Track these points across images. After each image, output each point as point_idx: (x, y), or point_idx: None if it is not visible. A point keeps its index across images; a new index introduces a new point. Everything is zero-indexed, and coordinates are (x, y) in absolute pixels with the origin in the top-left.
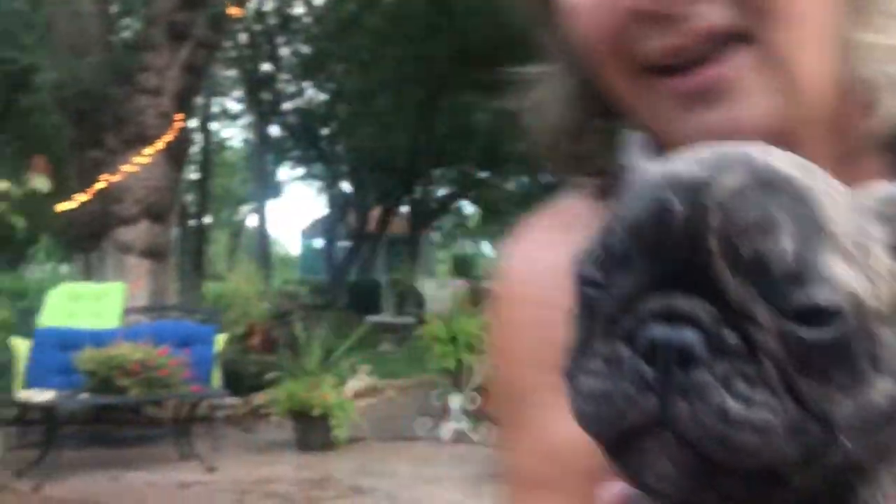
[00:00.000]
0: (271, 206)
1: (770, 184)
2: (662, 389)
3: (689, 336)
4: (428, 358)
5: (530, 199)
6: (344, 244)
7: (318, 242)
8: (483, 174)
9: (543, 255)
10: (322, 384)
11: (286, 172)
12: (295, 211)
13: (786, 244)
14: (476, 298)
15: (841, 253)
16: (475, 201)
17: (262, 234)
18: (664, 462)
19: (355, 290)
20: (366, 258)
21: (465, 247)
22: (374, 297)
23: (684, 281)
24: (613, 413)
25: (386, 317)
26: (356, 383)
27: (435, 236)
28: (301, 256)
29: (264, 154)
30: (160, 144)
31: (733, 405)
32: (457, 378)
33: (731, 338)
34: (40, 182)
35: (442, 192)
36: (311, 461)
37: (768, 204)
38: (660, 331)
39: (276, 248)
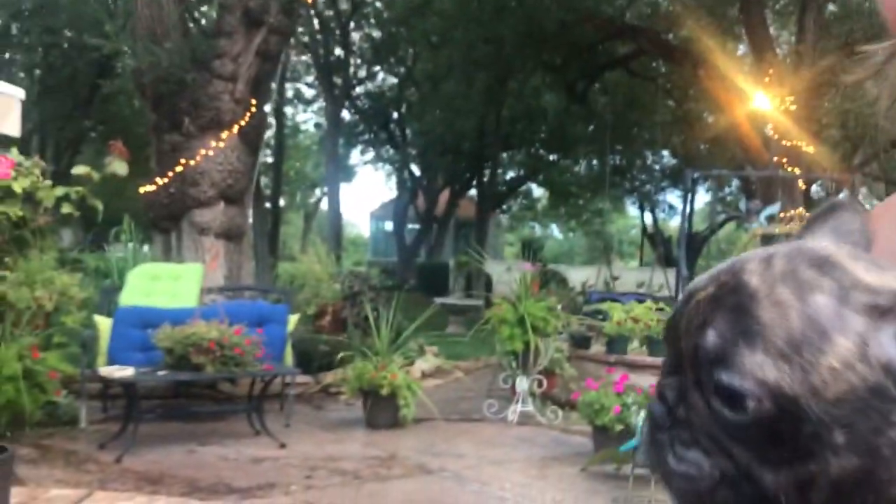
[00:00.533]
0: (343, 188)
1: (718, 298)
2: (654, 446)
3: (657, 409)
4: (495, 340)
5: (599, 182)
6: (413, 227)
7: (388, 225)
8: (551, 157)
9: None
10: (390, 364)
11: (357, 156)
12: (366, 194)
13: (711, 340)
14: (543, 281)
15: (766, 351)
16: (543, 184)
17: (333, 217)
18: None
19: (424, 273)
20: (434, 241)
21: (534, 230)
22: (443, 280)
23: (677, 367)
24: (647, 460)
25: (454, 299)
26: (424, 364)
27: (503, 219)
28: (371, 239)
29: (336, 138)
30: (235, 129)
31: (670, 460)
32: (524, 361)
33: (681, 411)
34: (118, 166)
35: (510, 175)
36: (379, 439)
37: (711, 311)
38: (651, 405)
39: (348, 231)
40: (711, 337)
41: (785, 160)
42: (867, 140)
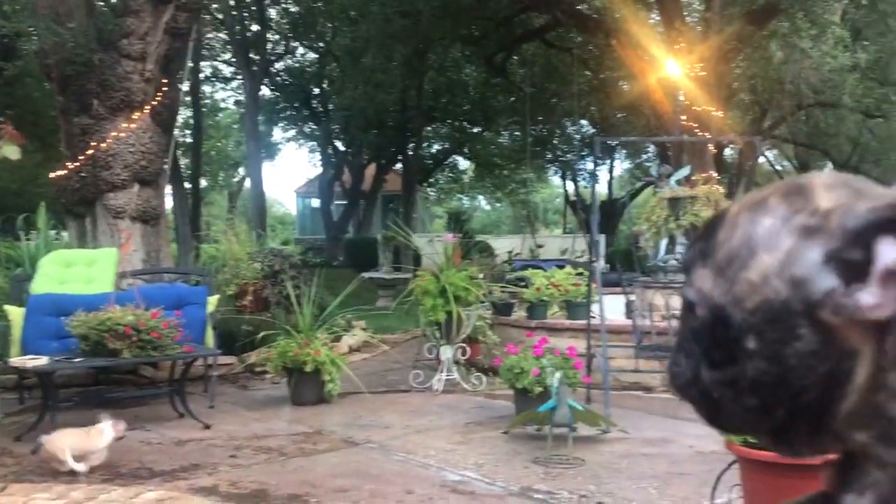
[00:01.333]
0: (267, 167)
1: (706, 223)
2: None
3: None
4: (419, 311)
5: (521, 153)
6: (340, 203)
7: (315, 202)
8: (475, 129)
9: None
10: (314, 341)
11: (280, 133)
12: (291, 171)
13: (688, 256)
14: (466, 252)
15: (710, 266)
16: (468, 156)
17: (257, 196)
18: None
19: (352, 248)
20: (362, 216)
21: (462, 202)
22: (371, 255)
23: None
24: None
25: (382, 273)
26: (351, 339)
27: (431, 192)
28: (298, 216)
29: (256, 115)
30: (147, 109)
31: (672, 365)
32: (447, 330)
33: (679, 324)
34: (10, 150)
35: (436, 148)
36: (305, 416)
37: (698, 233)
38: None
39: (275, 209)
40: (688, 254)
41: (696, 125)
42: (774, 104)
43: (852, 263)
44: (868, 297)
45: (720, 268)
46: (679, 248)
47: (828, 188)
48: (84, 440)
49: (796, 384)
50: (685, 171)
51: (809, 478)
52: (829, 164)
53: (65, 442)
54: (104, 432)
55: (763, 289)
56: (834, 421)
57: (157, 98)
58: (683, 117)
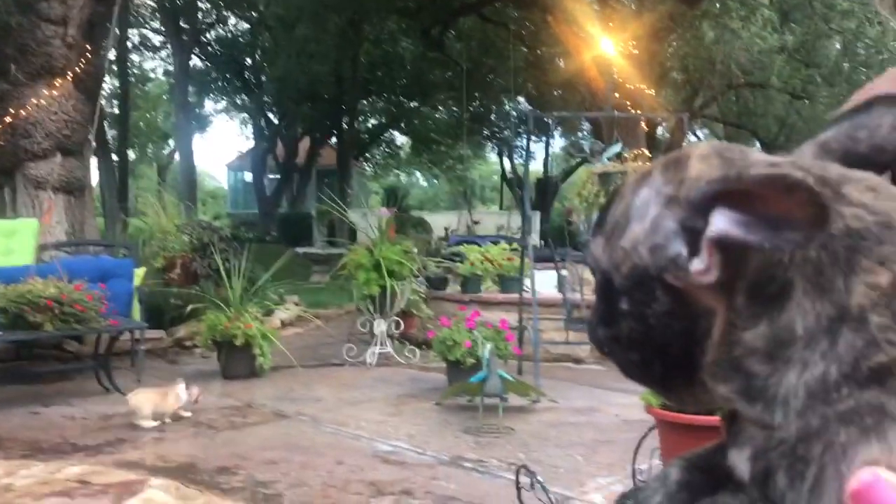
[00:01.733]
0: (197, 139)
1: (609, 196)
2: None
3: None
4: (353, 286)
5: (458, 129)
6: (273, 177)
7: (248, 176)
8: (412, 104)
9: None
10: (244, 315)
11: (211, 105)
12: (223, 144)
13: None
14: (401, 227)
15: (602, 233)
16: (405, 132)
17: (186, 169)
18: None
19: (286, 223)
20: (296, 191)
21: (399, 178)
22: (306, 230)
23: None
24: None
25: (317, 248)
26: (284, 313)
27: (368, 168)
28: (230, 190)
29: (186, 86)
30: (70, 76)
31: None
32: (381, 304)
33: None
34: None
35: (372, 122)
36: (235, 390)
37: (603, 206)
38: None
39: (206, 183)
40: (585, 226)
41: (629, 103)
42: (705, 83)
43: (695, 232)
44: (697, 263)
45: (607, 237)
46: None
47: (701, 159)
48: (161, 400)
49: (658, 340)
50: (617, 148)
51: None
52: (758, 144)
53: (144, 399)
54: (180, 395)
55: (632, 255)
56: (702, 374)
57: (80, 65)
58: (617, 94)
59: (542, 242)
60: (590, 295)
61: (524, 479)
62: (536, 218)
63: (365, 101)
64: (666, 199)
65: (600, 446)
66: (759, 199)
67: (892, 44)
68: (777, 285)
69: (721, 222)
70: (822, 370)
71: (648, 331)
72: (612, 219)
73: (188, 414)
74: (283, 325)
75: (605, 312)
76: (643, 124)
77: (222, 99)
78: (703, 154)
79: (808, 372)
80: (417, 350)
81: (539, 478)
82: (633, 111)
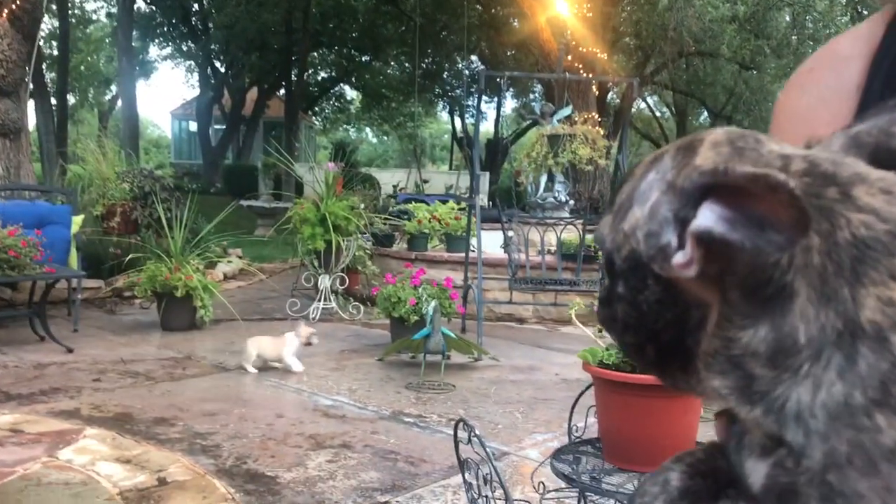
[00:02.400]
0: (141, 86)
1: (627, 173)
2: None
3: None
4: (297, 240)
5: (410, 86)
6: (219, 128)
7: (192, 126)
8: (363, 58)
9: (808, 87)
10: (186, 266)
11: (156, 51)
12: (167, 92)
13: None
14: (347, 182)
15: (611, 212)
16: (356, 86)
17: (129, 115)
18: None
19: (231, 175)
20: (242, 142)
21: (348, 133)
22: (251, 183)
23: None
24: None
25: (262, 202)
26: (227, 266)
27: (317, 122)
28: (174, 140)
29: (130, 30)
30: (5, 13)
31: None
32: (326, 259)
33: None
34: None
35: (322, 75)
36: (175, 341)
37: (619, 186)
38: None
39: (149, 131)
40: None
41: (581, 66)
42: (657, 50)
43: (685, 223)
44: (680, 256)
45: (614, 217)
46: (558, 187)
47: (712, 146)
48: (271, 346)
49: (650, 326)
50: (567, 111)
51: (651, 396)
52: (705, 112)
53: (251, 344)
54: (288, 341)
55: (630, 240)
56: (697, 363)
57: (16, 1)
58: (569, 57)
59: (491, 203)
60: (535, 256)
61: (462, 434)
62: (486, 178)
63: (315, 54)
64: (667, 184)
65: (538, 404)
66: (746, 196)
67: (840, 19)
68: (775, 287)
69: (706, 217)
70: (843, 392)
71: (641, 316)
72: (619, 198)
73: (297, 368)
74: (226, 277)
75: (606, 292)
76: (594, 88)
77: (167, 45)
78: (716, 141)
79: (823, 391)
80: (361, 306)
81: (477, 431)
82: (585, 75)
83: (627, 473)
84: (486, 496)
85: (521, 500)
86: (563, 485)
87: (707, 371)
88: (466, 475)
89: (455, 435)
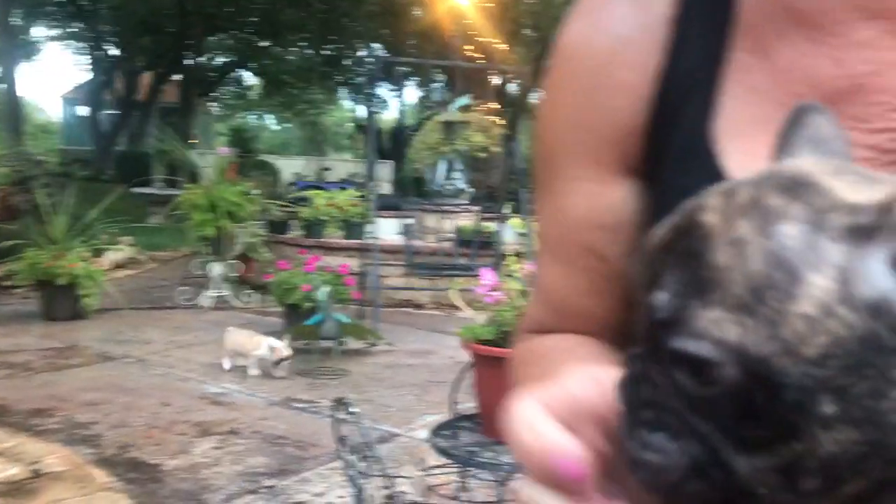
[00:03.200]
0: (27, 68)
1: (670, 244)
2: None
3: (627, 389)
4: (188, 227)
5: (312, 71)
6: (112, 113)
7: (83, 110)
8: (263, 43)
9: (611, 25)
10: (69, 253)
11: (42, 31)
12: (56, 75)
13: (661, 297)
14: (241, 168)
15: (723, 302)
16: (255, 72)
17: (11, 98)
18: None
19: (124, 162)
20: (136, 128)
21: (248, 120)
22: (144, 169)
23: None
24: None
25: (155, 189)
26: (116, 254)
27: (214, 108)
28: (64, 125)
29: (10, 7)
30: None
31: (633, 447)
32: (217, 246)
33: (644, 387)
34: None
35: (221, 60)
36: (57, 331)
37: (661, 262)
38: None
39: (36, 115)
40: (661, 294)
41: (482, 56)
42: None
43: None
44: None
45: (744, 304)
46: (456, 174)
47: (836, 174)
48: (244, 341)
49: (894, 447)
50: (464, 100)
51: None
52: None
53: (230, 339)
54: (262, 345)
55: (827, 324)
56: None
57: None
58: (470, 47)
59: (397, 191)
60: (433, 243)
61: (350, 416)
62: (390, 167)
63: (212, 38)
64: (849, 231)
65: (432, 386)
66: None
67: None
68: None
69: None
70: None
71: (885, 435)
72: (735, 277)
73: (252, 372)
74: (116, 266)
75: (753, 429)
76: (494, 78)
77: (55, 25)
78: (831, 171)
79: None
80: (256, 294)
81: (354, 409)
82: (481, 64)
83: (504, 446)
84: (364, 472)
85: (405, 478)
86: (447, 461)
87: None
88: (344, 453)
89: (334, 414)
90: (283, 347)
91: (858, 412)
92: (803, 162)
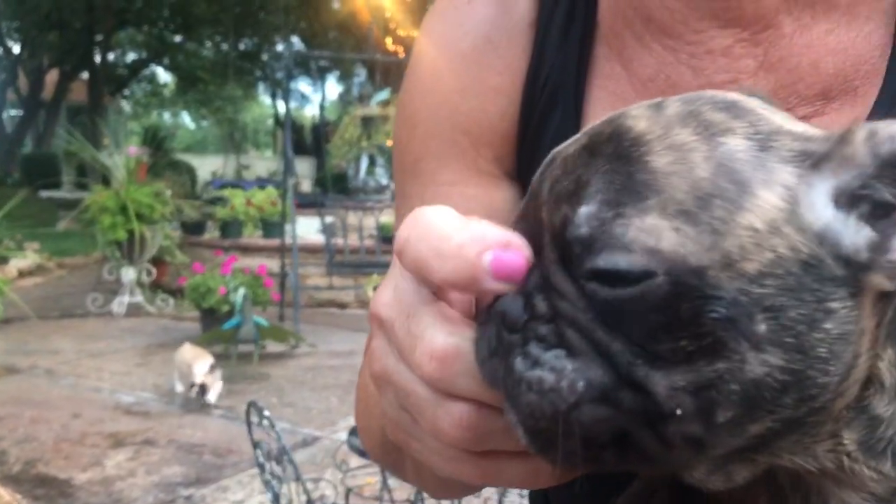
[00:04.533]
0: None
1: (596, 146)
2: (500, 353)
3: (509, 304)
4: (97, 231)
5: (228, 66)
6: (16, 113)
7: None
8: (176, 39)
9: (476, 27)
10: None
11: None
12: None
13: (582, 209)
14: (154, 167)
15: (660, 208)
16: (169, 68)
17: None
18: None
19: (30, 164)
20: (43, 128)
21: (163, 118)
22: (52, 171)
23: (534, 249)
24: (486, 376)
25: (64, 192)
26: (21, 261)
27: (127, 106)
28: None
29: None
30: None
31: (519, 363)
32: (129, 250)
33: (539, 304)
34: None
35: (132, 57)
36: None
37: (584, 168)
38: (500, 301)
39: None
40: (585, 200)
41: (402, 49)
42: None
43: (888, 206)
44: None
45: (686, 211)
46: (378, 170)
47: (767, 108)
48: (190, 356)
49: (817, 380)
50: (385, 94)
51: None
52: None
53: (179, 355)
54: (203, 362)
55: (772, 241)
56: (824, 426)
57: None
58: (390, 40)
59: (318, 188)
60: (354, 241)
61: (271, 420)
62: (311, 163)
63: (123, 33)
64: (798, 155)
65: (355, 387)
66: None
67: None
68: None
69: None
70: None
71: (808, 367)
72: (678, 183)
73: (179, 389)
74: (21, 274)
75: (675, 343)
76: None
77: None
78: (765, 106)
79: None
80: (171, 298)
81: (266, 413)
82: (404, 58)
83: None
84: (279, 476)
85: (326, 480)
86: (368, 462)
87: (843, 428)
88: (259, 458)
89: (247, 419)
90: (211, 376)
91: (789, 337)
92: (727, 92)
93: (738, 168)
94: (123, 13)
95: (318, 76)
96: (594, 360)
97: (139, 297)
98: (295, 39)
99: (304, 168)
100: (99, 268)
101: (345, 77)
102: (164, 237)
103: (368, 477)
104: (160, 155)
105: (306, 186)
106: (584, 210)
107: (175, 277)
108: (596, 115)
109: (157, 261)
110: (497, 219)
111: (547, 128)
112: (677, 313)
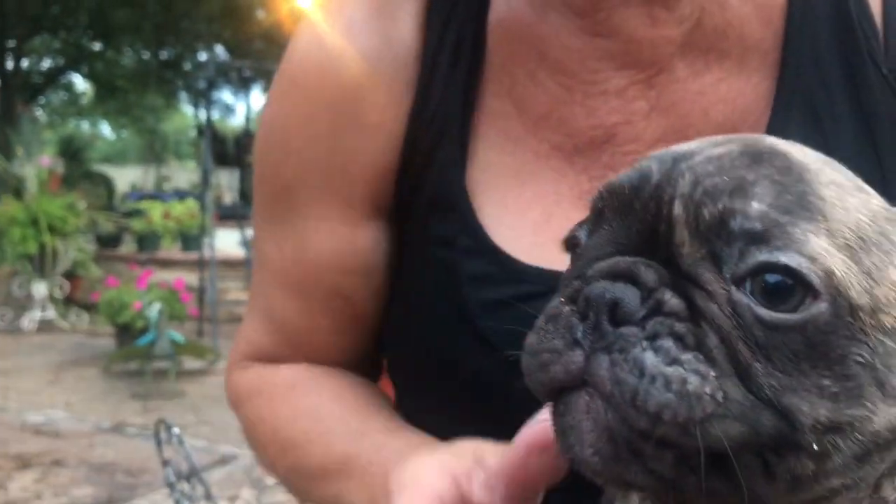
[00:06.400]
0: None
1: (757, 155)
2: (590, 345)
3: (622, 292)
4: (6, 244)
5: (149, 75)
6: None
7: None
8: (94, 46)
9: (358, 57)
10: None
11: None
12: None
13: (754, 204)
14: (71, 179)
15: (830, 235)
16: (87, 76)
17: None
18: (586, 423)
19: None
20: None
21: (80, 127)
22: None
23: (647, 244)
24: (539, 367)
25: None
26: None
27: (42, 114)
28: None
29: None
30: None
31: (651, 357)
32: (41, 264)
33: (671, 299)
34: None
35: (47, 64)
36: None
37: (748, 171)
38: (597, 287)
39: None
40: (755, 198)
41: None
42: None
43: None
44: None
45: (850, 247)
46: None
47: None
48: None
49: None
50: None
51: None
52: None
53: None
54: None
55: None
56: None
57: None
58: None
59: (241, 199)
60: None
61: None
62: (234, 175)
63: (37, 39)
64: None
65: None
66: None
67: None
68: None
69: None
70: None
71: None
72: (841, 217)
73: None
74: None
75: (814, 377)
76: None
77: None
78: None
79: None
80: (85, 313)
81: (176, 431)
82: None
83: None
84: (189, 496)
85: (240, 500)
86: None
87: (885, 479)
88: (168, 477)
89: (157, 437)
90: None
91: None
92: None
93: (884, 226)
94: (39, 19)
95: (242, 86)
96: (729, 374)
97: (51, 313)
98: (219, 49)
99: (227, 179)
100: (7, 282)
101: (270, 87)
102: (78, 250)
103: (284, 494)
104: (76, 165)
105: (229, 198)
106: (757, 206)
107: (89, 292)
108: (484, 153)
109: (70, 275)
110: (364, 262)
111: (433, 163)
112: (827, 350)
